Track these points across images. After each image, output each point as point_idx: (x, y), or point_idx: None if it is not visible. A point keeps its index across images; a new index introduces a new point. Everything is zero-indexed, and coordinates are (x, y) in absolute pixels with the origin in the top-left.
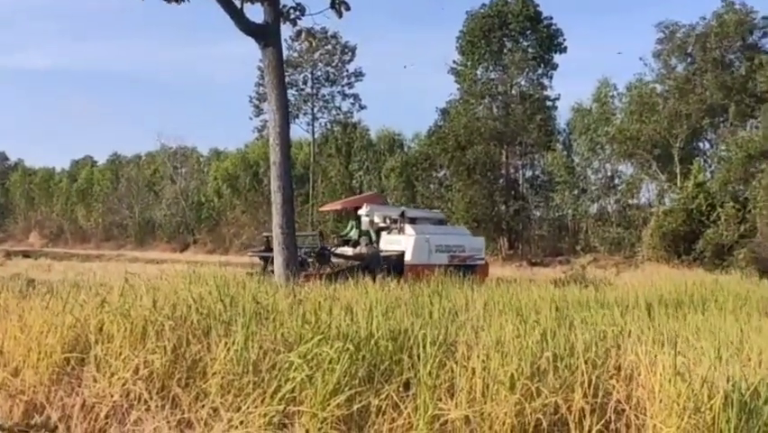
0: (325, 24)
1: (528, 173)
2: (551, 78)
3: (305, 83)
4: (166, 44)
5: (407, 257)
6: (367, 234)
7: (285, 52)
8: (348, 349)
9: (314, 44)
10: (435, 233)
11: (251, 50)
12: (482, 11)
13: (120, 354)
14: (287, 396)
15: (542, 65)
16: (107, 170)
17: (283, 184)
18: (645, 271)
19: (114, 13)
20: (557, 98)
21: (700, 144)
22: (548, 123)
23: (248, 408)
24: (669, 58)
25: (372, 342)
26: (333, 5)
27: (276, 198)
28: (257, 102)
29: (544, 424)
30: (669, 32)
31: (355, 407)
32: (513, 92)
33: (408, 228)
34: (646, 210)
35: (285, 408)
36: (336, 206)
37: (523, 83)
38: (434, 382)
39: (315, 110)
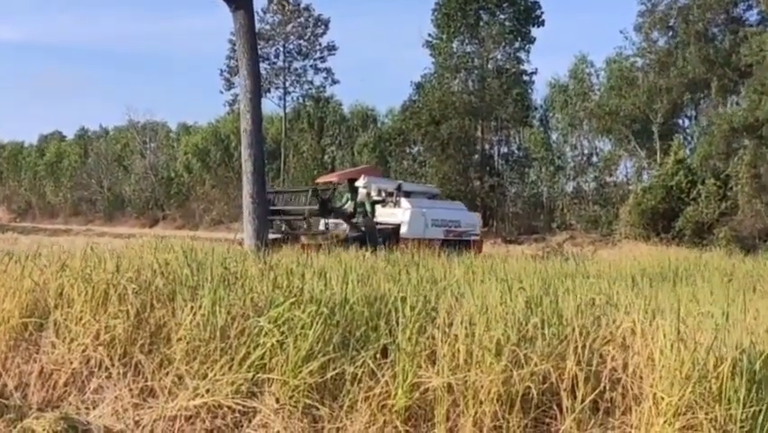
0: None
1: (504, 149)
2: (528, 52)
3: (276, 56)
4: (135, 17)
5: (403, 230)
6: (362, 205)
7: (257, 25)
8: (322, 313)
9: (287, 8)
10: (431, 207)
11: (221, 23)
12: None
13: (80, 319)
14: (256, 363)
15: (519, 38)
16: (76, 144)
17: (254, 152)
18: (623, 248)
19: None
20: (534, 73)
21: (680, 121)
22: (525, 98)
23: (215, 375)
24: (650, 31)
25: (347, 307)
26: None
27: (246, 167)
28: (228, 75)
29: (534, 393)
30: (651, 4)
31: (329, 374)
32: (489, 66)
33: (404, 201)
34: (624, 187)
35: (254, 375)
36: (333, 177)
37: (499, 57)
38: (414, 348)
39: (287, 84)
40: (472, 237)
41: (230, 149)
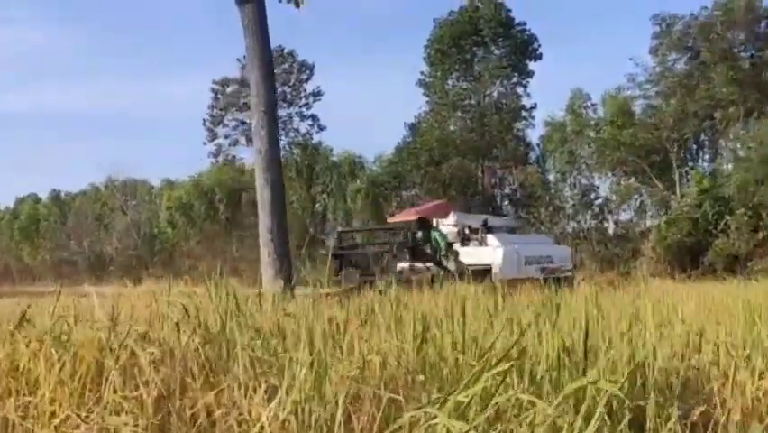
0: (281, 43)
1: (507, 189)
2: (525, 86)
3: None
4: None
5: (495, 271)
6: (449, 245)
7: (237, 72)
8: None
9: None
10: (523, 242)
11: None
12: (451, 18)
13: (51, 415)
14: None
15: (516, 73)
16: (53, 205)
17: (271, 177)
18: (652, 287)
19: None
20: (533, 108)
21: (698, 149)
22: (525, 134)
23: None
24: (668, 53)
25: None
26: None
27: (263, 196)
28: (211, 125)
29: None
30: (666, 25)
31: None
32: (486, 102)
33: (492, 239)
34: (639, 223)
35: None
36: (410, 215)
37: (495, 94)
38: None
39: None
40: (566, 273)
41: (214, 202)
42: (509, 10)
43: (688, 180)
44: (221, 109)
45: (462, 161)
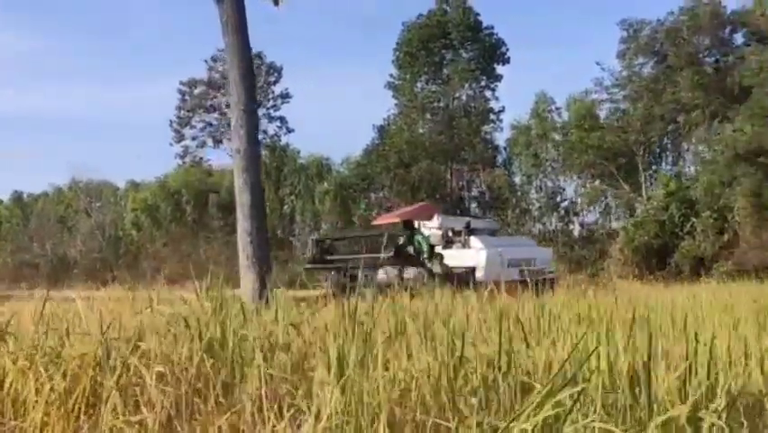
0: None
1: (474, 192)
2: (494, 90)
3: (227, 106)
4: (77, 88)
5: (479, 274)
6: (428, 247)
7: (204, 74)
8: None
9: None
10: (506, 245)
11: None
12: (420, 21)
13: None
14: None
15: (484, 76)
16: (14, 207)
17: (251, 178)
18: (620, 288)
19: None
20: (501, 111)
21: (663, 150)
22: (493, 137)
23: None
24: (635, 57)
25: None
26: None
27: (241, 198)
28: (178, 127)
29: None
30: (633, 30)
31: None
32: (455, 105)
33: (475, 241)
34: (604, 225)
35: None
36: (393, 218)
37: (464, 97)
38: None
39: None
40: (548, 275)
41: (181, 204)
42: (478, 14)
43: (653, 183)
44: (188, 111)
45: (431, 164)
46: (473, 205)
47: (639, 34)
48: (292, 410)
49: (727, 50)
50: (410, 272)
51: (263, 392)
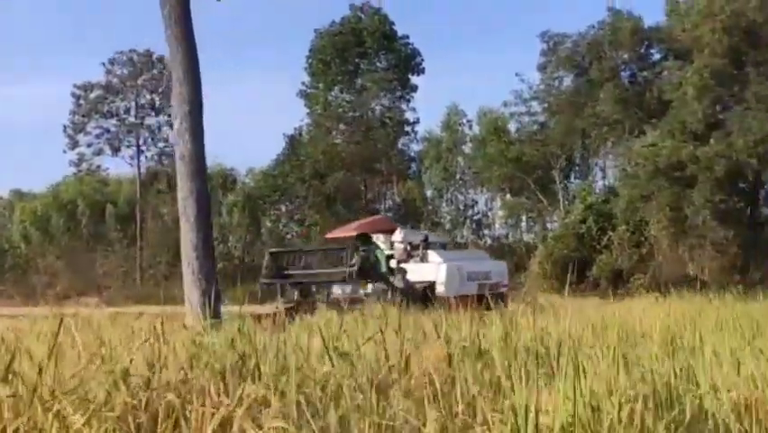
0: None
1: (389, 203)
2: (409, 101)
3: (127, 112)
4: None
5: (440, 289)
6: (382, 262)
7: (102, 77)
8: None
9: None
10: (463, 258)
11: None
12: (333, 29)
13: None
14: None
15: (400, 87)
16: None
17: (197, 186)
18: (540, 301)
19: None
20: (416, 122)
21: (573, 164)
22: (409, 148)
23: None
24: (556, 70)
25: None
26: None
27: (186, 208)
28: (72, 132)
29: None
30: (553, 43)
31: None
32: (371, 115)
33: (433, 255)
34: (516, 238)
35: None
36: (350, 231)
37: (380, 107)
38: None
39: (141, 142)
40: (502, 289)
41: (75, 215)
42: (393, 23)
43: (569, 197)
44: (83, 115)
45: (347, 175)
46: (389, 215)
47: (560, 47)
48: None
49: (645, 65)
50: (370, 288)
51: None
